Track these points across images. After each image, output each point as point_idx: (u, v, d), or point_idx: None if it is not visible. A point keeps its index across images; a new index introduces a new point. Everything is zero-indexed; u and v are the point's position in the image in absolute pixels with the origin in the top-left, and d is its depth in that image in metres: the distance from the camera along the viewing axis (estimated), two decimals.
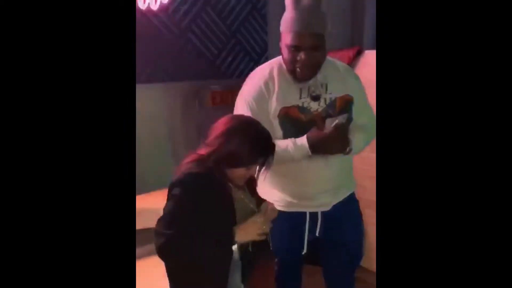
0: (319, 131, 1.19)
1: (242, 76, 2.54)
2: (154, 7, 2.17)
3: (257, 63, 2.59)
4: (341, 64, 1.35)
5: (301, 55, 1.16)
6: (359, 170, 1.63)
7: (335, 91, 1.25)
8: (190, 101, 2.35)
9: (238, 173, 1.03)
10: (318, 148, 1.17)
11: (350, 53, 2.14)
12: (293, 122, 1.21)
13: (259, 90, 1.23)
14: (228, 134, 1.00)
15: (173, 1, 2.24)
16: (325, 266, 1.47)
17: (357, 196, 1.46)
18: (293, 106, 1.21)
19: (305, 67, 1.18)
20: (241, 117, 1.10)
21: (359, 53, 2.14)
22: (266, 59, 2.59)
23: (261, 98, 1.23)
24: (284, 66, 1.25)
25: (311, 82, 1.23)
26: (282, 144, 1.19)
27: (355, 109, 1.28)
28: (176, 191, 0.99)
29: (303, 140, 1.18)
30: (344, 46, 2.33)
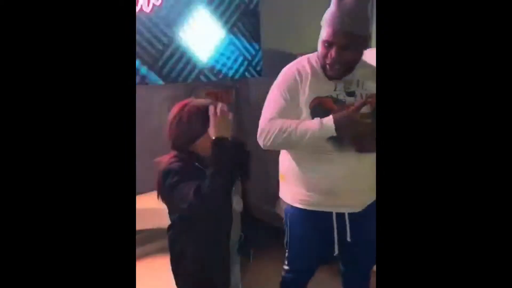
0: (346, 110, 1.16)
1: (236, 76, 2.55)
2: (147, 9, 2.18)
3: (251, 63, 2.60)
4: (373, 66, 1.34)
5: (332, 52, 1.17)
6: None
7: (370, 89, 1.25)
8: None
9: (201, 145, 1.10)
10: (343, 127, 1.14)
11: None
12: (326, 113, 1.18)
13: (292, 78, 1.25)
14: (169, 123, 1.13)
15: (165, 3, 2.25)
16: (347, 267, 1.43)
17: None
18: (327, 97, 1.22)
19: (334, 64, 1.19)
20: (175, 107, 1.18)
21: None
22: (260, 59, 2.62)
23: (294, 86, 1.25)
24: (317, 60, 1.28)
25: (347, 78, 1.23)
26: (308, 124, 1.18)
27: None
28: (171, 178, 1.06)
29: (329, 118, 1.15)
30: None
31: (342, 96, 1.23)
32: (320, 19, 1.21)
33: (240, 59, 2.54)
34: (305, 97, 1.23)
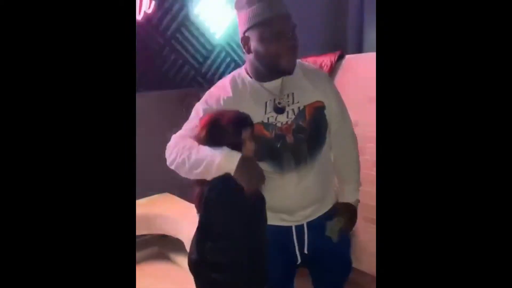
0: (253, 162, 1.07)
1: None
2: (138, 17, 2.19)
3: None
4: (309, 66, 1.29)
5: (283, 42, 1.09)
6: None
7: (302, 99, 1.18)
8: (177, 108, 2.37)
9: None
10: (244, 172, 1.04)
11: (332, 57, 2.18)
12: (260, 140, 1.13)
13: (216, 101, 1.16)
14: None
15: (157, 11, 2.27)
16: (317, 280, 1.40)
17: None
18: (258, 124, 1.14)
19: (292, 52, 1.11)
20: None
21: (341, 58, 2.18)
22: None
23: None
24: (245, 76, 1.19)
25: (277, 87, 1.17)
26: (208, 154, 1.04)
27: (328, 114, 1.22)
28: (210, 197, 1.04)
29: (234, 158, 1.03)
30: (326, 51, 2.37)
31: (272, 119, 1.15)
32: None
33: (232, 65, 2.56)
34: None
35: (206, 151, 1.04)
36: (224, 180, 1.03)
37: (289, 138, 1.16)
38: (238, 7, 1.15)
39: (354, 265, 2.23)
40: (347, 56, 2.17)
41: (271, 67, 1.13)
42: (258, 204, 1.13)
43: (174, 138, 1.16)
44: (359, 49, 2.80)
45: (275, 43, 1.09)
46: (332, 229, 1.28)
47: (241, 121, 1.07)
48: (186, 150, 1.08)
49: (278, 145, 1.15)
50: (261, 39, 1.10)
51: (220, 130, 1.06)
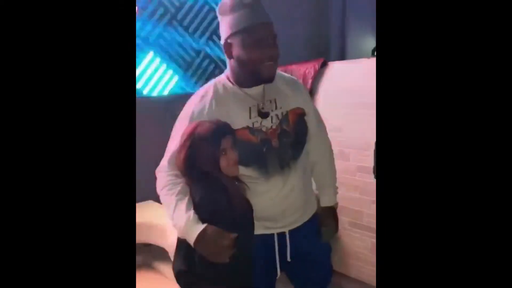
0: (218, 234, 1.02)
1: None
2: None
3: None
4: (287, 76, 1.31)
5: (265, 49, 1.10)
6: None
7: (284, 105, 1.20)
8: (161, 114, 2.35)
9: (222, 163, 1.07)
10: (204, 246, 1.01)
11: (316, 64, 2.20)
12: (246, 145, 1.13)
13: (203, 116, 1.14)
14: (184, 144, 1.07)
15: (139, 17, 2.25)
16: (299, 287, 1.41)
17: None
18: (243, 128, 1.14)
19: (273, 60, 1.12)
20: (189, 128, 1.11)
21: (324, 65, 2.20)
22: None
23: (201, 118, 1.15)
24: (227, 83, 1.19)
25: (261, 94, 1.18)
26: (179, 213, 1.04)
27: (307, 120, 1.25)
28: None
29: (197, 227, 1.01)
30: (309, 58, 2.40)
31: (258, 124, 1.16)
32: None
33: (217, 71, 2.56)
34: None
35: (178, 211, 1.05)
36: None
37: (275, 143, 1.17)
38: (221, 12, 1.15)
39: (339, 270, 2.27)
40: (330, 63, 2.20)
41: (253, 73, 1.14)
42: (247, 214, 1.12)
43: (159, 172, 1.17)
44: (342, 56, 2.84)
45: (257, 50, 1.10)
46: (327, 234, 1.31)
47: (220, 129, 1.07)
48: (164, 197, 1.11)
49: (264, 149, 1.16)
50: (243, 46, 1.11)
51: (200, 146, 1.05)
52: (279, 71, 1.26)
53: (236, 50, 1.13)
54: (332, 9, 2.80)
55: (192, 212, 1.04)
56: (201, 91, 1.22)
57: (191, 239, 1.02)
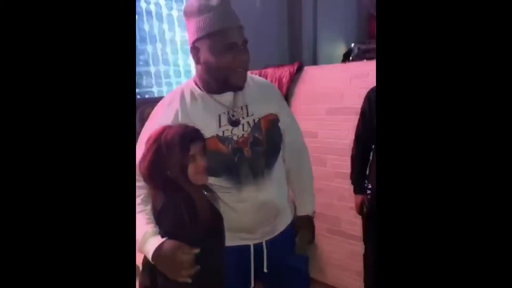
0: (175, 247, 0.94)
1: None
2: None
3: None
4: (260, 80, 1.26)
5: (236, 54, 1.03)
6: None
7: (257, 112, 1.14)
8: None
9: (190, 172, 0.99)
10: (161, 261, 0.95)
11: (291, 69, 2.18)
12: (215, 155, 1.07)
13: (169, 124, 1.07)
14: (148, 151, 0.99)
15: None
16: None
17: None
18: (212, 137, 1.08)
19: (243, 66, 1.06)
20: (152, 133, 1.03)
21: (299, 69, 2.18)
22: None
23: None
24: (196, 89, 1.12)
25: (230, 100, 1.12)
26: (140, 224, 0.98)
27: (281, 126, 1.20)
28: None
29: (154, 242, 0.95)
30: (283, 63, 2.37)
31: (228, 132, 1.10)
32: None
33: (188, 75, 2.48)
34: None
35: (138, 223, 0.98)
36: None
37: (247, 152, 1.11)
38: (187, 14, 1.07)
39: (316, 277, 2.24)
40: (306, 68, 2.18)
41: (221, 80, 1.07)
42: (216, 225, 1.05)
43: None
44: (314, 62, 2.86)
45: (226, 55, 1.03)
46: (301, 246, 1.26)
47: (189, 134, 0.99)
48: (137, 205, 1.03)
49: (236, 159, 1.10)
50: (211, 51, 1.03)
51: (166, 151, 0.96)
52: (252, 75, 1.20)
53: (203, 56, 1.05)
54: (303, 15, 2.81)
55: (151, 225, 0.97)
56: (167, 98, 1.14)
57: (148, 255, 0.95)
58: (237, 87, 1.09)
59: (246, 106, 1.13)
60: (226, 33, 1.02)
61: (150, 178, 0.99)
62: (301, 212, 1.30)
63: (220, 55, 1.03)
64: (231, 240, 1.12)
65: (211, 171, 1.05)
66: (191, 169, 0.98)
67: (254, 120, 1.13)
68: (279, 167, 1.20)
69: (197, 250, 0.93)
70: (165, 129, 1.00)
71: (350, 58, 2.33)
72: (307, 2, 2.77)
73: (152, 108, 1.17)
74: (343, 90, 1.99)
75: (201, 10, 1.03)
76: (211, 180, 1.07)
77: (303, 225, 1.28)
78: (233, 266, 1.14)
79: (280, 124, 1.19)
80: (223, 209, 1.11)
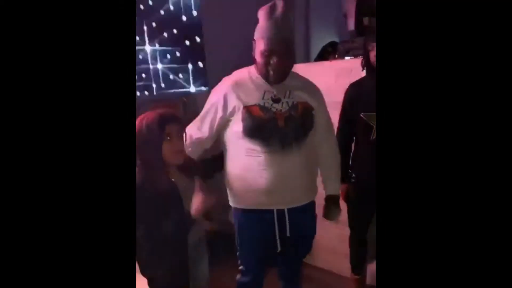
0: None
1: (183, 89, 2.58)
2: None
3: (196, 77, 2.65)
4: (306, 80, 1.49)
5: (274, 59, 1.30)
6: None
7: (297, 98, 1.38)
8: None
9: (166, 150, 1.11)
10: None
11: None
12: (254, 119, 1.31)
13: (227, 89, 1.37)
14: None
15: None
16: (284, 257, 1.56)
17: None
18: (255, 105, 1.33)
19: (277, 69, 1.32)
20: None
21: None
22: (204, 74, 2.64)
23: (225, 97, 1.36)
24: (254, 71, 1.39)
25: (278, 86, 1.36)
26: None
27: (316, 118, 1.41)
28: None
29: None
30: None
31: (268, 104, 1.34)
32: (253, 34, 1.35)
33: (185, 75, 2.58)
34: (232, 107, 1.35)
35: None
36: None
37: (280, 123, 1.32)
38: (260, 14, 1.32)
39: (310, 261, 2.36)
40: (296, 65, 2.29)
41: (262, 76, 1.35)
42: (170, 193, 1.14)
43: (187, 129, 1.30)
44: (307, 59, 2.96)
45: (267, 59, 1.30)
46: (333, 214, 1.56)
47: (165, 117, 1.12)
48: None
49: (270, 126, 1.31)
50: (259, 50, 1.31)
51: (144, 133, 1.08)
52: (298, 74, 1.45)
53: (255, 50, 1.34)
54: (295, 14, 2.89)
55: None
56: (234, 72, 1.44)
57: None
58: (274, 82, 1.35)
59: (290, 91, 1.37)
60: (272, 42, 1.28)
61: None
62: (331, 191, 1.56)
63: (262, 57, 1.32)
64: (255, 203, 1.37)
65: (248, 132, 1.31)
66: (167, 148, 1.10)
67: (293, 102, 1.36)
68: (309, 148, 1.41)
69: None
70: (145, 115, 1.13)
71: (336, 56, 2.45)
72: (299, 0, 2.86)
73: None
74: (329, 85, 2.11)
75: (267, 16, 1.29)
76: (245, 142, 1.33)
77: (333, 201, 1.55)
78: (259, 229, 1.39)
79: (314, 113, 1.40)
80: (253, 174, 1.33)
